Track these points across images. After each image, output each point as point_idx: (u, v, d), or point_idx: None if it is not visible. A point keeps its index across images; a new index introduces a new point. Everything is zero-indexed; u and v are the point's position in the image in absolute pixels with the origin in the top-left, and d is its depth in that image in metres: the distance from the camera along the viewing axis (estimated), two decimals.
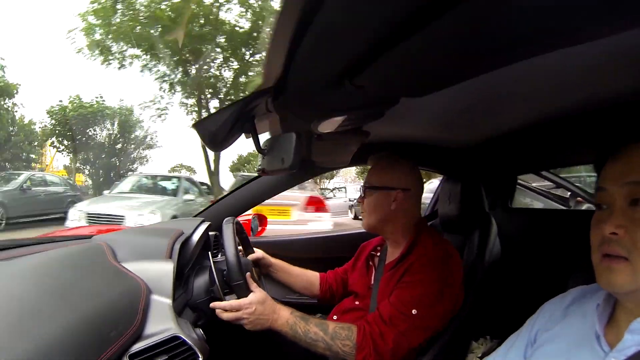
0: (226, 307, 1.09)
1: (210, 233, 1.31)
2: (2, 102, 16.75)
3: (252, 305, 1.09)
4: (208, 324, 1.12)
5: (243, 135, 0.80)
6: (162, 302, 0.86)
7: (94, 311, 0.70)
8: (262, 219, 1.88)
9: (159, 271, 0.93)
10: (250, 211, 1.77)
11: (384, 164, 1.29)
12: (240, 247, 1.35)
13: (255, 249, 1.49)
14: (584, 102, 1.04)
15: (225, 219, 1.21)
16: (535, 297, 0.99)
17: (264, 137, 0.85)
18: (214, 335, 1.05)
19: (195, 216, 1.55)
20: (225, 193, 2.03)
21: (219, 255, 1.32)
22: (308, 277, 1.55)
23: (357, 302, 1.32)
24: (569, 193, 2.59)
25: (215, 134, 0.69)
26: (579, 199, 2.54)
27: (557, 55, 0.65)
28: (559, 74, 0.82)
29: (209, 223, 1.31)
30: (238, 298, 1.10)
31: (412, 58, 0.56)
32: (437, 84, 0.69)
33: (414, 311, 1.08)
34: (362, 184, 1.36)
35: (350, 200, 14.08)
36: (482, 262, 1.43)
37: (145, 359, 0.73)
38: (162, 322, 0.81)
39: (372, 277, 1.33)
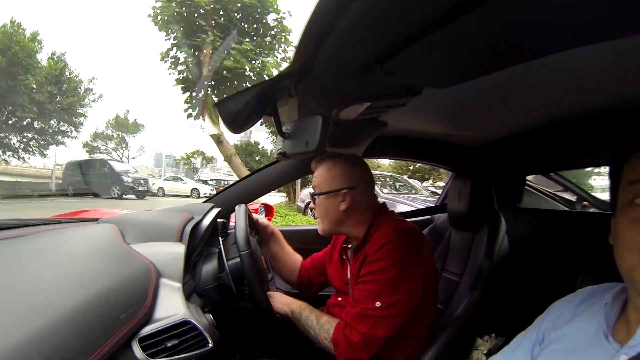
0: None
1: (219, 220, 1.29)
2: None
3: (277, 297, 1.28)
4: (215, 311, 1.10)
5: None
6: (172, 286, 0.84)
7: (105, 292, 0.69)
8: (269, 209, 1.86)
9: (170, 254, 0.91)
10: (257, 201, 1.76)
11: (325, 167, 1.24)
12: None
13: (266, 222, 1.48)
14: (595, 105, 1.03)
15: (237, 207, 1.20)
16: (541, 297, 0.99)
17: (284, 120, 0.83)
18: (220, 323, 1.05)
19: (205, 202, 1.53)
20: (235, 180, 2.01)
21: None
22: (294, 261, 1.53)
23: (339, 299, 1.32)
24: (576, 197, 2.58)
25: (236, 114, 0.67)
26: (585, 203, 2.53)
27: (572, 57, 0.65)
28: (572, 76, 0.81)
29: (219, 209, 1.30)
30: (253, 301, 1.13)
31: (442, 48, 0.55)
32: (462, 75, 0.68)
33: (377, 304, 1.07)
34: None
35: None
36: (490, 259, 1.42)
37: (155, 343, 0.72)
38: (172, 306, 0.79)
39: (348, 272, 1.31)
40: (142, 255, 0.89)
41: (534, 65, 0.73)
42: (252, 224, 1.39)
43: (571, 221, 1.65)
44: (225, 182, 28.79)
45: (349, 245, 1.36)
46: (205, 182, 27.24)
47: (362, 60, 0.56)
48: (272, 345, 1.37)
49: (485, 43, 0.55)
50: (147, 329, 0.72)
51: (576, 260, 1.21)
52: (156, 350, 0.71)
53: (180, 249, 0.93)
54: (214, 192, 21.28)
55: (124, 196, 15.91)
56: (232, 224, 1.54)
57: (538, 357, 0.75)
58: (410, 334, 1.16)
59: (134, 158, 37.71)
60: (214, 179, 31.71)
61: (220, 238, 1.17)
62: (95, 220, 1.17)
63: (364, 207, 1.23)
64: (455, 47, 0.55)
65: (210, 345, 0.78)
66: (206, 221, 1.17)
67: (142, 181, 17.23)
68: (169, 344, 0.73)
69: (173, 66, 12.49)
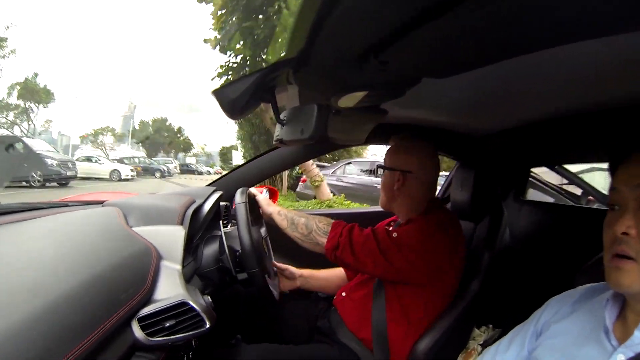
0: None
1: (221, 203, 1.31)
2: None
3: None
4: (215, 293, 1.13)
5: None
6: (171, 268, 0.86)
7: (106, 273, 0.71)
8: (273, 193, 1.88)
9: (170, 237, 0.93)
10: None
11: (396, 146, 1.32)
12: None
13: (284, 265, 1.50)
14: (602, 101, 1.03)
15: (239, 190, 1.21)
16: (540, 291, 1.00)
17: (282, 107, 0.84)
18: (220, 305, 1.07)
19: (207, 185, 1.55)
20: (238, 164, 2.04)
21: (229, 226, 1.33)
22: (337, 275, 1.55)
23: (365, 278, 1.34)
24: (581, 191, 2.55)
25: (234, 101, 0.68)
26: (590, 197, 2.51)
27: (578, 52, 0.67)
28: (578, 71, 0.81)
29: (221, 192, 1.32)
30: (253, 285, 1.15)
31: (438, 38, 0.55)
32: (459, 66, 0.68)
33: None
34: None
35: None
36: (491, 250, 1.43)
37: (153, 323, 0.74)
38: (171, 288, 0.81)
39: None
40: (144, 238, 0.91)
41: (541, 57, 0.73)
42: (254, 209, 1.41)
43: (574, 216, 1.65)
44: (139, 159, 26.83)
45: (390, 228, 1.39)
46: (121, 161, 23.72)
47: (357, 49, 0.56)
48: (272, 327, 1.40)
49: (481, 35, 0.54)
50: (147, 309, 0.74)
51: (577, 255, 1.22)
52: (155, 330, 0.73)
53: (180, 232, 0.95)
54: (135, 172, 19.19)
55: (47, 184, 12.12)
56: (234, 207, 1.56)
57: (535, 350, 0.77)
58: (418, 317, 1.20)
59: (40, 134, 31.13)
60: (130, 157, 28.13)
61: (221, 222, 1.18)
62: (101, 203, 1.19)
63: (414, 194, 1.30)
64: (451, 38, 0.55)
65: (208, 326, 0.80)
66: (207, 205, 1.19)
67: (69, 164, 13.63)
68: (167, 324, 0.75)
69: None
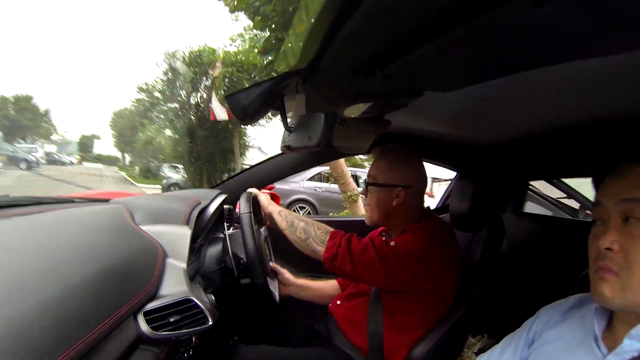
0: None
1: (225, 206, 1.34)
2: None
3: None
4: (217, 293, 1.15)
5: None
6: (177, 266, 0.89)
7: (114, 266, 0.73)
8: (274, 198, 1.90)
9: (176, 236, 0.96)
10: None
11: (388, 161, 1.28)
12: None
13: (281, 269, 1.51)
14: (601, 115, 1.04)
15: (244, 196, 1.24)
16: (536, 302, 1.01)
17: (290, 115, 0.87)
18: (220, 305, 1.09)
19: (213, 188, 1.58)
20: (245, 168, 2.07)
21: (231, 229, 1.35)
22: (331, 287, 1.56)
23: (360, 286, 1.35)
24: (579, 205, 2.56)
25: (246, 107, 0.71)
26: (588, 212, 2.52)
27: (579, 65, 0.66)
28: (579, 84, 0.83)
29: (225, 195, 1.35)
30: (256, 291, 1.18)
31: (442, 54, 0.57)
32: (463, 81, 0.71)
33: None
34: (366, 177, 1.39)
35: None
36: (488, 261, 1.44)
37: (159, 317, 0.76)
38: (176, 285, 0.84)
39: None
40: (150, 235, 0.93)
41: (542, 71, 0.76)
42: (258, 212, 1.44)
43: (572, 229, 1.66)
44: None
45: (383, 238, 1.40)
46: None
47: (364, 63, 0.59)
48: (270, 329, 1.42)
49: (486, 52, 0.57)
50: (153, 304, 0.76)
51: (573, 267, 1.23)
52: (159, 324, 0.76)
53: (186, 231, 0.97)
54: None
55: None
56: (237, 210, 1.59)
57: (527, 358, 0.78)
58: (415, 325, 1.21)
59: None
60: None
61: (225, 224, 1.21)
62: (107, 201, 1.22)
63: (413, 207, 1.30)
64: (455, 54, 0.58)
65: (210, 323, 0.82)
66: (212, 207, 1.22)
67: None
68: (172, 319, 0.77)
69: None
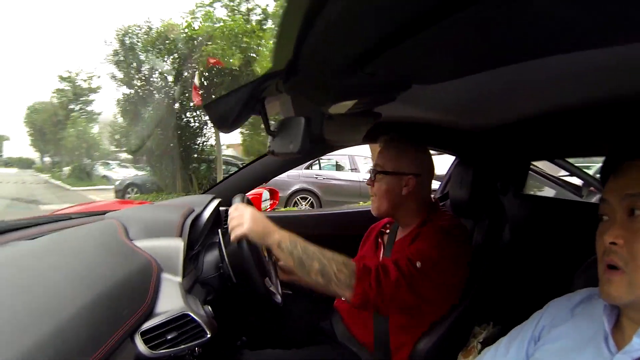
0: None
1: (221, 208, 1.32)
2: None
3: (241, 209, 1.08)
4: (217, 299, 1.14)
5: None
6: (172, 280, 0.88)
7: (108, 290, 0.72)
8: (273, 193, 1.88)
9: (169, 249, 0.94)
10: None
11: (397, 148, 1.27)
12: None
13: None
14: (602, 95, 1.02)
15: (234, 197, 1.22)
16: (540, 288, 1.00)
17: (274, 118, 0.85)
18: (223, 311, 1.08)
19: (205, 192, 1.56)
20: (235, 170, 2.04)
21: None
22: None
23: None
24: (582, 182, 2.54)
25: (225, 115, 0.69)
26: (592, 188, 2.49)
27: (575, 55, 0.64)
28: (579, 66, 0.81)
29: (219, 200, 1.33)
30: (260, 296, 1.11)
31: (425, 49, 0.54)
32: (449, 74, 0.68)
33: (417, 264, 1.06)
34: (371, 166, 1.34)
35: None
36: (491, 247, 1.43)
37: (156, 336, 0.75)
38: (172, 300, 0.83)
39: (380, 255, 1.34)
40: (144, 251, 0.92)
41: (534, 61, 0.74)
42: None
43: (574, 211, 1.64)
44: None
45: (387, 231, 1.39)
46: None
47: (341, 63, 0.56)
48: (274, 328, 1.41)
49: (472, 44, 0.54)
50: (149, 323, 0.76)
51: (576, 251, 1.22)
52: (157, 343, 0.75)
53: (179, 244, 0.96)
54: None
55: None
56: None
57: (533, 355, 0.77)
58: (422, 322, 1.20)
59: None
60: None
61: (220, 230, 1.20)
62: (104, 213, 1.21)
63: (421, 197, 1.27)
64: (438, 49, 0.55)
65: (208, 335, 0.82)
66: (207, 212, 1.20)
67: None
68: (169, 337, 0.76)
69: None
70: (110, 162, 19.06)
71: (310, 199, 8.34)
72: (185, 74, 10.31)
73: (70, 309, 0.61)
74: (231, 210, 1.10)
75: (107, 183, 16.18)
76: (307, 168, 8.56)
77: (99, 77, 19.70)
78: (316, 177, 8.56)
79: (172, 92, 10.48)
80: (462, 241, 1.19)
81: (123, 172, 17.89)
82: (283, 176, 8.05)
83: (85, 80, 19.63)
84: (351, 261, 1.05)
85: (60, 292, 0.66)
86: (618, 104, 1.05)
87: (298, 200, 8.31)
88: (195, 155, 10.88)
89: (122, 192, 11.65)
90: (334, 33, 0.50)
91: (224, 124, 0.71)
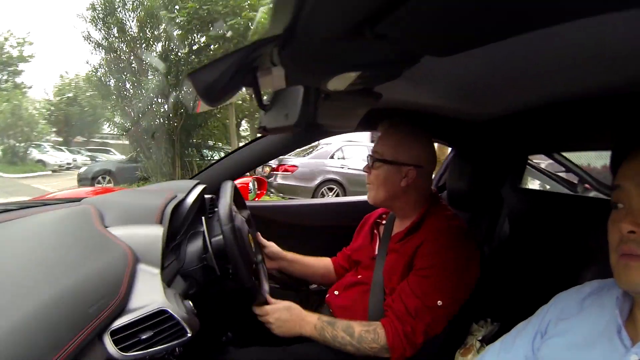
0: (256, 311, 1.16)
1: (206, 196, 1.24)
2: None
3: (278, 311, 1.13)
4: (200, 293, 1.06)
5: None
6: (149, 272, 0.79)
7: (74, 284, 0.64)
8: (261, 182, 1.82)
9: (148, 237, 0.86)
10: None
11: (398, 136, 1.19)
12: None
13: (268, 242, 1.41)
14: (602, 87, 0.99)
15: (223, 183, 1.14)
16: (539, 283, 0.97)
17: (265, 92, 0.76)
18: (208, 302, 1.01)
19: (190, 178, 1.47)
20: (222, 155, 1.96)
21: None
22: (324, 265, 1.48)
23: (359, 276, 1.28)
24: (578, 179, 2.52)
25: (212, 86, 0.60)
26: (587, 185, 2.48)
27: (579, 36, 0.65)
28: (579, 56, 0.78)
29: (204, 186, 1.24)
30: (238, 280, 1.07)
31: (442, 7, 0.48)
32: (464, 42, 0.61)
33: (439, 302, 1.05)
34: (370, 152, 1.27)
35: None
36: (490, 242, 1.38)
37: (128, 335, 0.67)
38: (148, 294, 0.74)
39: (376, 247, 1.28)
40: (119, 240, 0.83)
41: (540, 43, 0.70)
42: (240, 201, 1.34)
43: (572, 205, 1.61)
44: None
45: (383, 222, 1.33)
46: None
47: (350, 21, 0.48)
48: (262, 326, 1.34)
49: (491, 3, 0.48)
50: (120, 321, 0.67)
51: (575, 246, 1.18)
52: (130, 343, 0.67)
53: (158, 231, 0.87)
54: None
55: None
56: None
57: (540, 349, 0.73)
58: None
59: None
60: None
61: (203, 217, 1.11)
62: (79, 200, 1.12)
63: (421, 189, 1.21)
64: (457, 7, 0.48)
65: (189, 334, 0.73)
66: (190, 199, 1.11)
67: None
68: (144, 336, 0.68)
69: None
70: (43, 144, 16.56)
71: (336, 190, 8.27)
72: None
73: (27, 306, 0.55)
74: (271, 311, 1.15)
75: (43, 168, 14.48)
76: (331, 157, 8.43)
77: (31, 43, 17.05)
78: (342, 167, 8.42)
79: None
80: (469, 241, 1.15)
81: (60, 156, 16.10)
82: (310, 166, 7.99)
83: (14, 47, 16.98)
84: (379, 332, 1.06)
85: (16, 288, 0.59)
86: (619, 95, 1.01)
87: (325, 191, 8.20)
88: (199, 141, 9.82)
89: (90, 180, 10.31)
90: None
91: (209, 96, 0.62)
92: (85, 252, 0.77)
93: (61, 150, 17.14)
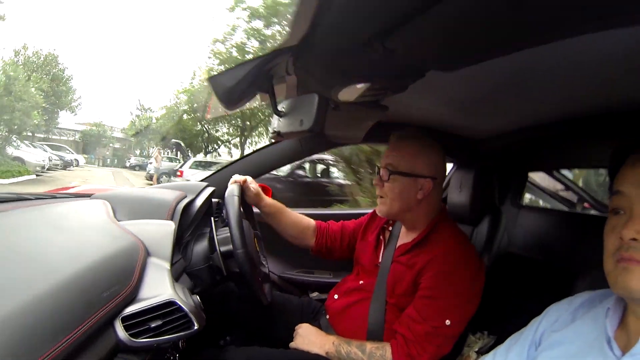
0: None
1: (213, 200, 1.27)
2: None
3: (308, 327, 1.21)
4: (204, 293, 1.09)
5: None
6: (159, 265, 0.83)
7: (89, 269, 0.67)
8: (266, 191, 1.84)
9: (159, 232, 0.89)
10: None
11: (414, 148, 1.17)
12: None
13: (241, 176, 1.33)
14: (603, 104, 1.01)
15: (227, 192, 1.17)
16: (537, 297, 0.97)
17: (280, 99, 0.80)
18: (210, 304, 1.03)
19: (200, 181, 1.50)
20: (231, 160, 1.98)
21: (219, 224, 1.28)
22: (306, 226, 1.45)
23: (361, 282, 1.28)
24: (577, 197, 2.54)
25: (231, 90, 0.64)
26: (586, 204, 2.49)
27: (580, 53, 0.66)
28: (580, 74, 0.80)
29: (213, 188, 1.27)
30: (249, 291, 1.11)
31: (447, 24, 0.51)
32: (468, 57, 0.65)
33: (447, 322, 1.06)
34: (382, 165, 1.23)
35: None
36: (488, 255, 1.40)
37: (138, 323, 0.70)
38: (158, 286, 0.77)
39: (381, 255, 1.28)
40: (131, 233, 0.87)
41: (542, 60, 0.72)
42: (244, 204, 1.36)
43: (572, 222, 1.63)
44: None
45: (389, 227, 1.32)
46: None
47: (362, 35, 0.52)
48: (263, 327, 1.36)
49: (494, 20, 0.51)
50: (131, 308, 0.70)
51: (574, 262, 1.19)
52: (139, 330, 0.70)
53: (170, 227, 0.91)
54: None
55: None
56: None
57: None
58: None
59: None
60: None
61: (212, 219, 1.14)
62: (89, 196, 1.15)
63: (433, 201, 1.20)
64: (462, 23, 0.52)
65: (196, 327, 0.76)
66: (199, 200, 1.15)
67: None
68: (153, 325, 0.71)
69: None
70: (15, 139, 13.85)
71: None
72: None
73: (43, 286, 0.57)
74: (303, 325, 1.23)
75: (25, 169, 12.10)
76: None
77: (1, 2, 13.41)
78: None
79: None
80: (476, 259, 1.15)
81: (38, 154, 13.85)
82: None
83: None
84: (387, 348, 1.09)
85: (35, 267, 0.62)
86: (617, 113, 1.03)
87: None
88: None
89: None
90: (354, 5, 0.46)
91: (229, 100, 0.66)
92: (99, 240, 0.80)
93: (41, 147, 14.97)
